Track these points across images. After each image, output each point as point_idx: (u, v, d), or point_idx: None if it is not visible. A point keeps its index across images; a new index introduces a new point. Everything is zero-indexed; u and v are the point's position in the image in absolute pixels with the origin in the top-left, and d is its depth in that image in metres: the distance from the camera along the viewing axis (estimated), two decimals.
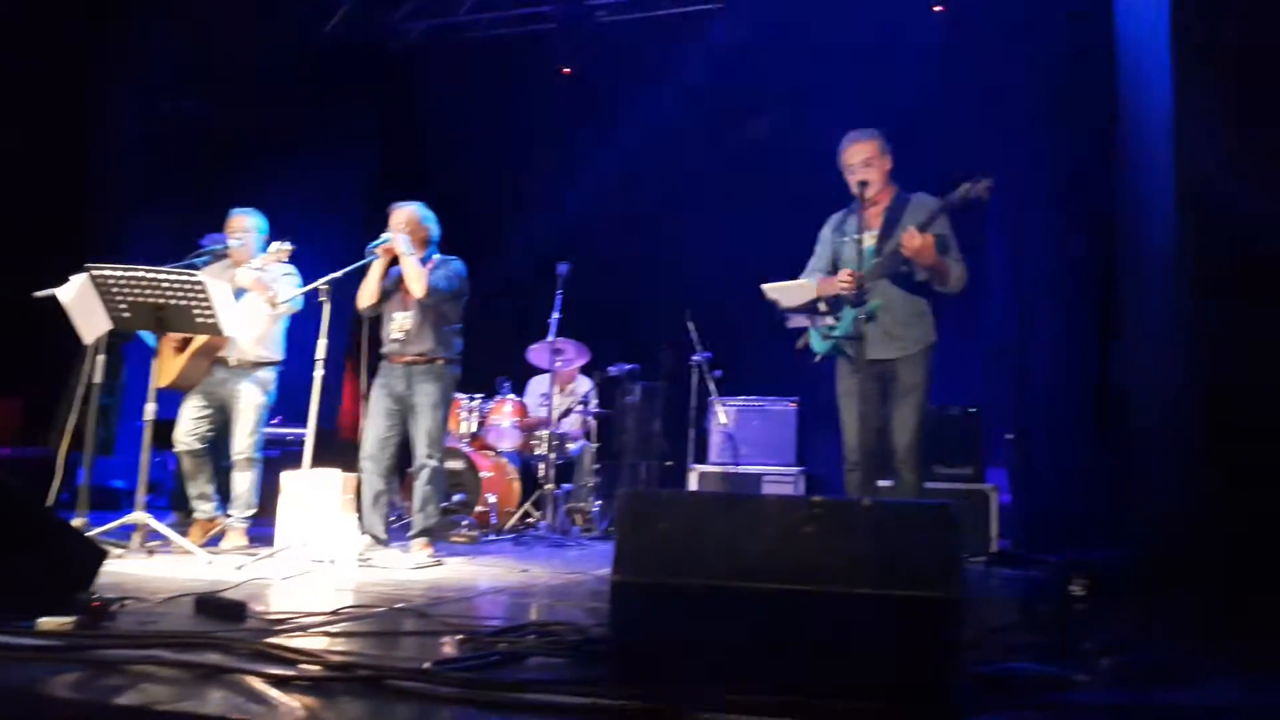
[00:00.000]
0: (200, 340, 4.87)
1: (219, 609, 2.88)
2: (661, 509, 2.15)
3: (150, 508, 4.62)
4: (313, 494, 4.51)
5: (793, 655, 1.98)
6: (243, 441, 4.99)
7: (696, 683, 1.96)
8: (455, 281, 4.94)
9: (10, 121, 6.43)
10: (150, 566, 4.13)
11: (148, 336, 4.89)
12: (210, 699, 1.92)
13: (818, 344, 4.17)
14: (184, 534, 4.75)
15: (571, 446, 6.98)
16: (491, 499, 6.45)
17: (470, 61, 8.29)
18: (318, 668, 2.19)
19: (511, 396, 7.04)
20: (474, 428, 6.92)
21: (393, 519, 5.36)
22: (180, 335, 4.85)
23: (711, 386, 6.68)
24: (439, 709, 1.93)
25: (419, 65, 8.35)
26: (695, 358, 6.74)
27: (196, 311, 4.47)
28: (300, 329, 5.24)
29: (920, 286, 4.08)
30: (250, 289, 4.95)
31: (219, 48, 8.04)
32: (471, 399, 6.92)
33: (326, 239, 5.54)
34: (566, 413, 6.98)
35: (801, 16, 7.37)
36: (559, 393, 6.88)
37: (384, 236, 4.84)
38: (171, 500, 5.64)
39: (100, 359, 4.87)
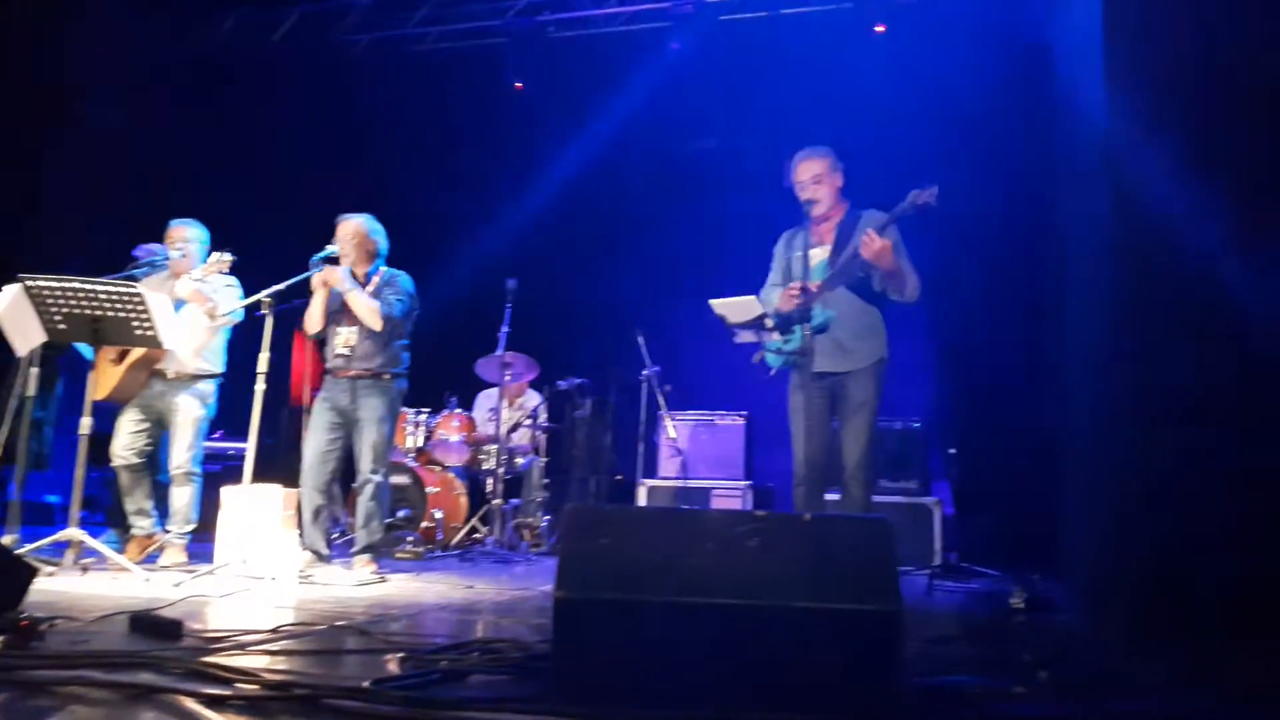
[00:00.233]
0: (138, 352, 4.78)
1: (154, 627, 2.80)
2: (604, 524, 2.15)
3: (86, 523, 4.51)
4: (253, 509, 4.43)
5: (734, 670, 1.98)
6: (181, 455, 4.89)
7: (639, 700, 1.96)
8: (408, 302, 4.93)
9: None
10: (84, 584, 4.02)
11: (85, 348, 4.78)
12: None
13: (772, 358, 4.20)
14: (121, 551, 4.64)
15: (520, 461, 6.94)
16: (438, 514, 6.39)
17: (419, 74, 8.26)
18: (255, 687, 2.14)
19: (459, 411, 6.99)
20: (420, 442, 6.86)
21: (336, 535, 5.29)
22: (118, 347, 4.75)
23: (661, 401, 6.69)
24: None
25: (368, 76, 8.30)
26: (645, 371, 6.76)
27: (135, 323, 4.38)
28: (241, 341, 5.16)
29: (875, 298, 4.11)
30: (189, 300, 4.87)
31: (162, 56, 7.95)
32: (418, 413, 6.86)
33: (270, 250, 5.46)
34: (515, 427, 6.94)
35: (749, 36, 7.47)
36: (508, 407, 6.85)
37: (329, 249, 4.80)
38: (108, 516, 5.51)
39: (34, 371, 4.76)
